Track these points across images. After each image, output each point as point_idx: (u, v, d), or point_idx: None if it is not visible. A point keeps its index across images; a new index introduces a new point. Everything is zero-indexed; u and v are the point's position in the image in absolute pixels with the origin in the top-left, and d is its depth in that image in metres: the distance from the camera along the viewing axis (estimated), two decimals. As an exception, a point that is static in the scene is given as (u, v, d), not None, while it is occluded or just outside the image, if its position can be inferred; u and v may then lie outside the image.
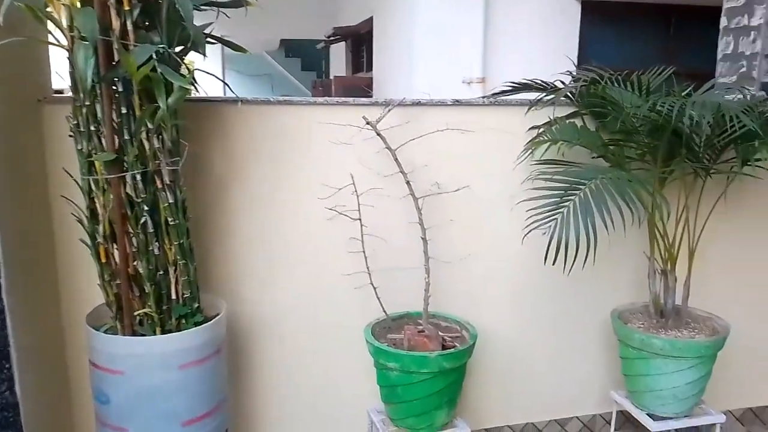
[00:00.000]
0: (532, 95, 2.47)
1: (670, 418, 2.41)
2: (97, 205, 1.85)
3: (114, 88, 1.78)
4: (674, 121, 2.09)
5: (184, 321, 1.96)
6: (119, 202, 1.83)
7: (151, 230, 1.87)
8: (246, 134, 2.26)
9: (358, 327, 2.33)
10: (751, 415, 2.98)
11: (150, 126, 1.80)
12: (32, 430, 1.92)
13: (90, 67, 1.69)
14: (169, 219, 1.88)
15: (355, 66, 9.18)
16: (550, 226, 2.05)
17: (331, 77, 9.96)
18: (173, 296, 1.94)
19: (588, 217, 2.03)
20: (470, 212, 2.50)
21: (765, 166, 2.37)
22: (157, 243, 1.88)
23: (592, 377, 2.79)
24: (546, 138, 2.38)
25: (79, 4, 1.70)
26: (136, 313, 1.92)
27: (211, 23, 1.95)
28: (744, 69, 3.65)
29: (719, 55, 3.91)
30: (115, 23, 1.73)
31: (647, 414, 2.44)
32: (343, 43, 9.30)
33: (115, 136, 1.80)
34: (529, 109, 2.46)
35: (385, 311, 2.36)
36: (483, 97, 2.69)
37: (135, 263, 1.88)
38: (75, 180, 1.91)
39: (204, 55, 1.87)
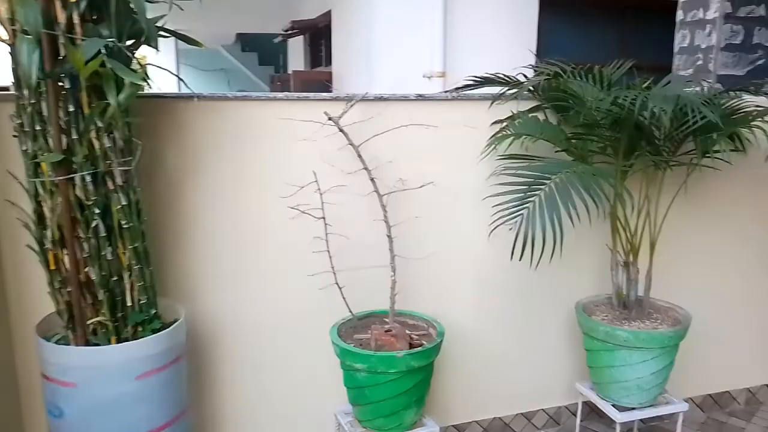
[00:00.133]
0: (495, 89, 2.46)
1: (635, 408, 2.45)
2: (45, 208, 1.77)
3: (60, 84, 1.70)
4: (636, 114, 2.10)
5: (140, 328, 1.88)
6: (68, 205, 1.74)
7: (104, 234, 1.78)
8: (203, 131, 2.18)
9: (324, 328, 2.28)
10: (711, 401, 3.05)
11: (100, 124, 1.72)
12: (-20, 449, 1.83)
13: (34, 62, 1.62)
14: (123, 222, 1.80)
15: (314, 60, 9.08)
16: (516, 221, 2.05)
17: (290, 72, 9.83)
18: (129, 303, 1.86)
19: (554, 212, 2.03)
20: (436, 208, 2.48)
21: (723, 158, 2.42)
22: (110, 247, 1.80)
23: (558, 370, 2.81)
24: (509, 132, 2.37)
25: (20, -5, 1.61)
26: (89, 322, 1.83)
27: (163, 16, 1.87)
28: (701, 62, 3.73)
29: (676, 48, 3.99)
30: (61, 16, 1.64)
31: (612, 405, 2.47)
32: (302, 37, 9.19)
33: (63, 136, 1.72)
34: (492, 103, 2.45)
35: (351, 311, 2.32)
36: (446, 92, 2.66)
37: (87, 269, 1.80)
38: (20, 183, 1.82)
39: (157, 49, 1.80)
